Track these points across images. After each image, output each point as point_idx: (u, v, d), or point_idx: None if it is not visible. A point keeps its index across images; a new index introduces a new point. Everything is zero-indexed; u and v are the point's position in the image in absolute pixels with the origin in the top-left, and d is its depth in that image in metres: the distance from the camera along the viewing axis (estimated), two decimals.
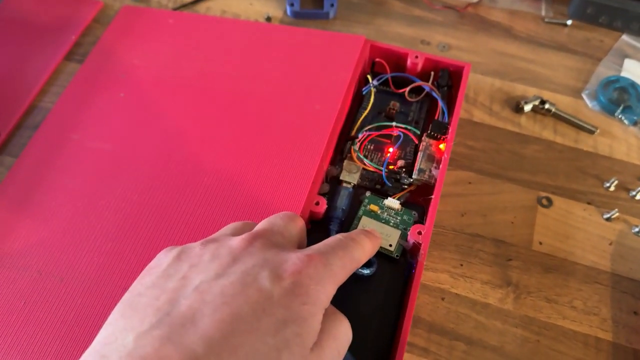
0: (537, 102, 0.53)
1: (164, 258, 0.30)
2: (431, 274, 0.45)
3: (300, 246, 0.34)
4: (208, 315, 0.24)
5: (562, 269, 0.45)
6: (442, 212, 0.47)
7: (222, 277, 0.26)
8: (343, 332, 0.29)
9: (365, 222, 0.44)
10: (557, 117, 0.53)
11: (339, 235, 0.33)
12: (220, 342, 0.23)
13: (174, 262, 0.29)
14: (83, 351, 0.26)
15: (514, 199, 0.48)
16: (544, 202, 0.48)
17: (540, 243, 0.46)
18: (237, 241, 0.30)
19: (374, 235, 0.36)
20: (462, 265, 0.45)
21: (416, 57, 0.51)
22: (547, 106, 0.52)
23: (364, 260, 0.33)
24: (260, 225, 0.33)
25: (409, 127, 0.48)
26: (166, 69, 0.53)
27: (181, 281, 0.27)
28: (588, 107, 0.54)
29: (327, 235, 0.44)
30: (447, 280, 0.44)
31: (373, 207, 0.45)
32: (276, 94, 0.50)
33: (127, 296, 0.27)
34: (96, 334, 0.26)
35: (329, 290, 0.28)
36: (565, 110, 0.53)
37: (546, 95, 0.54)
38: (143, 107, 0.51)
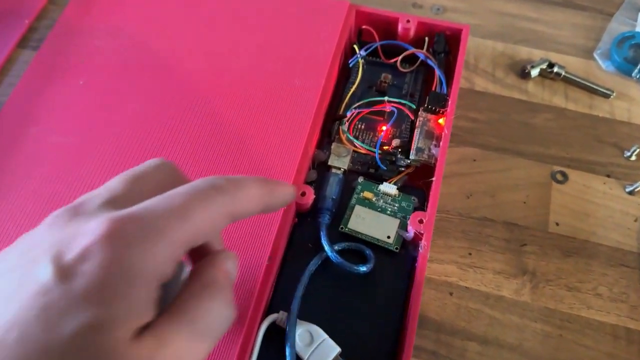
0: (544, 66, 0.47)
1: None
2: (436, 266, 0.39)
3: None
4: None
5: (583, 252, 0.40)
6: (445, 194, 0.42)
7: (7, 274, 0.21)
8: (208, 311, 0.22)
9: (360, 212, 0.39)
10: (568, 81, 0.47)
11: (199, 180, 0.24)
12: None
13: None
14: None
15: (525, 176, 0.43)
16: (559, 177, 0.43)
17: (557, 224, 0.41)
18: (45, 220, 0.23)
19: (276, 182, 0.27)
20: (470, 254, 0.40)
21: (408, 21, 0.46)
22: (556, 70, 0.47)
23: (237, 210, 0.24)
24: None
25: (403, 102, 0.43)
26: (132, 49, 0.47)
27: None
28: (601, 68, 0.48)
29: (318, 231, 0.39)
30: (454, 273, 0.39)
31: (367, 194, 0.39)
32: (252, 71, 0.45)
33: None
34: None
35: (158, 255, 0.20)
36: (577, 73, 0.47)
37: (554, 57, 0.49)
38: (107, 94, 0.45)
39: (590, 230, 0.41)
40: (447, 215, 0.41)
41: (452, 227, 0.41)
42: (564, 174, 0.43)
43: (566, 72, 0.47)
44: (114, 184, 0.24)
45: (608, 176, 0.43)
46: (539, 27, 0.51)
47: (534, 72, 0.47)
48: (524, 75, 0.47)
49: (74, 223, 0.21)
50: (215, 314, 0.23)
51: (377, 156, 0.40)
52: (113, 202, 0.23)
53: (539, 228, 0.41)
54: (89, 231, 0.20)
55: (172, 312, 0.22)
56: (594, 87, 0.46)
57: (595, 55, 0.49)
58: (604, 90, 0.46)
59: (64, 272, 0.19)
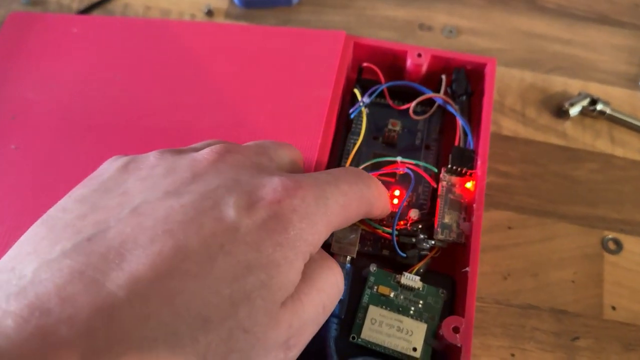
0: (586, 103, 0.39)
1: (107, 167, 0.23)
2: None
3: None
4: (142, 246, 0.19)
5: None
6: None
7: (172, 197, 0.20)
8: (331, 283, 0.24)
9: (375, 314, 0.31)
10: (612, 119, 0.39)
11: (348, 167, 0.28)
12: (152, 284, 0.18)
13: (117, 173, 0.22)
14: None
15: (572, 246, 0.35)
16: (611, 245, 0.35)
17: (614, 308, 0.34)
18: (203, 153, 0.23)
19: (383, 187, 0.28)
20: (513, 355, 0.32)
21: (419, 55, 0.37)
22: (599, 107, 0.39)
23: (377, 207, 0.27)
24: (244, 144, 0.26)
25: (419, 163, 0.34)
26: (75, 101, 0.38)
27: (120, 197, 0.21)
28: None
29: (323, 343, 0.31)
30: None
31: (383, 289, 0.32)
32: (229, 130, 0.36)
33: (50, 211, 0.21)
34: None
35: (319, 231, 0.22)
36: (622, 109, 0.40)
37: (593, 88, 0.41)
38: (45, 163, 0.36)
39: None
40: (481, 304, 0.34)
41: (489, 320, 0.33)
42: (617, 242, 0.36)
43: (611, 109, 0.39)
44: (270, 144, 0.27)
45: None
46: (574, 50, 0.43)
47: (574, 111, 0.39)
48: (561, 114, 0.40)
49: (247, 170, 0.23)
50: (334, 284, 0.24)
51: (394, 241, 0.32)
52: (273, 162, 0.25)
53: (592, 315, 0.33)
54: (274, 187, 0.21)
55: (304, 280, 0.22)
56: None
57: None
58: None
59: (249, 220, 0.20)
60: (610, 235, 0.36)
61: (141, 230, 0.19)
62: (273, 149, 0.26)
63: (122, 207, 0.20)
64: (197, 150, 0.24)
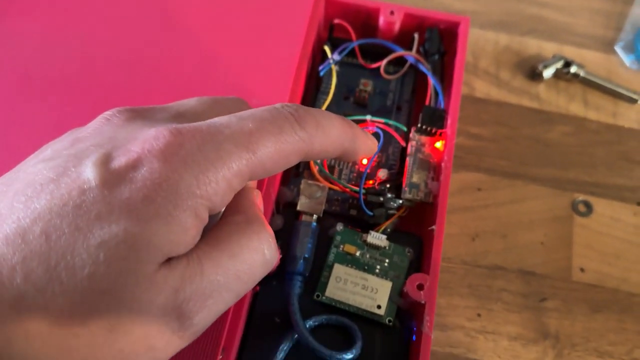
0: (559, 65, 0.39)
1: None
2: (439, 335, 0.32)
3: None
4: (2, 215, 0.18)
5: (614, 305, 0.33)
6: (445, 236, 0.34)
7: (43, 163, 0.19)
8: (252, 250, 0.21)
9: (340, 273, 0.31)
10: (587, 82, 0.39)
11: (277, 105, 0.22)
12: (1, 251, 0.17)
13: (53, 142, 0.21)
14: None
15: (542, 208, 0.35)
16: (582, 208, 0.35)
17: (582, 270, 0.34)
18: (97, 118, 0.22)
19: (360, 129, 0.25)
20: (479, 315, 0.32)
21: (391, 12, 0.37)
22: (573, 70, 0.38)
23: (313, 146, 0.22)
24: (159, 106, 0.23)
25: (391, 122, 0.34)
26: (35, 58, 0.37)
27: (13, 172, 0.20)
28: (624, 64, 0.40)
29: (285, 302, 0.31)
30: (461, 342, 0.32)
31: (349, 247, 0.31)
32: (196, 85, 0.35)
33: None
34: None
35: (212, 181, 0.19)
36: (597, 72, 0.39)
37: (568, 51, 0.40)
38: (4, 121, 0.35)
39: (622, 277, 0.34)
40: (448, 264, 0.34)
41: (456, 281, 0.33)
42: (587, 204, 0.35)
43: (585, 72, 0.39)
44: (188, 100, 0.23)
45: (639, 204, 0.36)
46: (550, 13, 0.42)
47: (547, 74, 0.39)
48: (535, 76, 0.39)
49: (132, 125, 0.20)
50: (256, 253, 0.21)
51: (360, 199, 0.31)
52: (181, 116, 0.22)
53: (560, 277, 0.33)
54: (146, 138, 0.19)
55: (209, 242, 0.20)
56: (618, 89, 0.39)
57: (617, 49, 0.41)
58: (630, 95, 0.39)
59: (109, 176, 0.18)
60: (581, 197, 0.36)
61: (3, 199, 0.18)
62: (187, 104, 0.23)
63: (17, 172, 0.20)
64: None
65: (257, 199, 0.23)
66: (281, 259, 0.31)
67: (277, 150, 0.20)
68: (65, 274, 0.17)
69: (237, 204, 0.22)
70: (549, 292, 0.33)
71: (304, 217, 0.32)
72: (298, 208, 0.32)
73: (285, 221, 0.32)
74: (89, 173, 0.18)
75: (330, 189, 0.33)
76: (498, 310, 0.33)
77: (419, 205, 0.33)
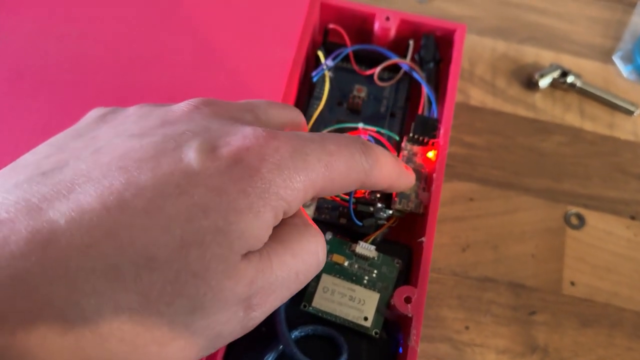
0: (556, 75, 0.38)
1: (87, 117, 0.23)
2: (426, 346, 0.32)
3: None
4: (94, 180, 0.18)
5: (604, 320, 0.33)
6: (435, 246, 0.34)
7: (135, 139, 0.20)
8: (310, 251, 0.22)
9: (328, 283, 0.30)
10: (584, 92, 0.39)
11: (343, 134, 0.25)
12: (97, 216, 0.17)
13: (93, 121, 0.23)
14: None
15: (534, 220, 0.35)
16: (574, 220, 0.35)
17: (573, 283, 0.33)
18: (181, 104, 0.23)
19: (402, 164, 0.27)
20: (467, 327, 0.32)
21: (387, 18, 0.36)
22: (570, 79, 0.38)
23: (378, 177, 0.24)
24: (228, 101, 0.25)
25: (382, 131, 0.34)
26: (28, 55, 0.36)
27: (87, 141, 0.21)
28: (622, 75, 0.40)
29: (271, 314, 0.31)
30: (449, 354, 0.32)
31: (337, 257, 0.31)
32: (187, 88, 0.35)
33: (23, 155, 0.21)
34: None
35: (295, 188, 0.20)
36: (594, 82, 0.39)
37: (566, 60, 0.40)
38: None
39: (613, 291, 0.33)
40: (438, 275, 0.33)
41: (445, 292, 0.33)
42: (580, 217, 0.35)
43: (582, 82, 0.38)
44: (261, 103, 0.25)
45: (633, 218, 0.35)
46: (548, 20, 0.42)
47: (544, 83, 0.38)
48: (531, 85, 0.39)
49: (222, 119, 0.22)
50: (313, 255, 0.22)
51: (351, 209, 0.31)
52: (259, 120, 0.24)
53: (551, 290, 0.33)
54: (246, 135, 0.20)
55: (276, 240, 0.21)
56: (615, 101, 0.38)
57: (615, 59, 0.40)
58: (627, 106, 0.38)
59: (211, 164, 0.19)
60: (574, 209, 0.35)
61: (96, 166, 0.19)
62: (262, 108, 0.25)
63: (87, 148, 0.20)
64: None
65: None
66: None
67: (345, 174, 0.22)
68: (162, 252, 0.17)
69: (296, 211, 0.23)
70: (539, 305, 0.33)
71: None
72: None
73: None
74: (192, 158, 0.19)
75: (320, 198, 0.33)
76: (487, 323, 0.32)
77: (409, 216, 0.32)
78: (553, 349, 0.32)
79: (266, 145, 0.20)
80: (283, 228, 0.21)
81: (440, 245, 0.34)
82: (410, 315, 0.28)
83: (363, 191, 0.33)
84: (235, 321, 0.19)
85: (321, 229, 0.32)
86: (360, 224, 0.32)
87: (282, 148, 0.20)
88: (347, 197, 0.32)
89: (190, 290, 0.18)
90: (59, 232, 0.17)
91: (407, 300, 0.29)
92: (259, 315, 0.20)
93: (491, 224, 0.35)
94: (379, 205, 0.32)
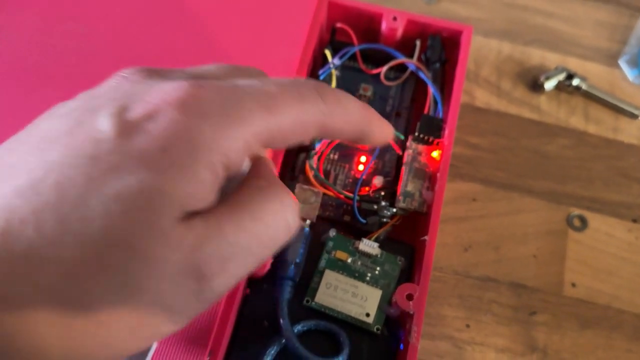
0: (562, 77, 0.38)
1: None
2: (427, 344, 0.32)
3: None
4: (14, 166, 0.18)
5: (604, 322, 0.33)
6: (437, 246, 0.34)
7: (59, 117, 0.19)
8: (275, 213, 0.20)
9: (331, 279, 0.31)
10: (589, 96, 0.39)
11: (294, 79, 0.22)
12: (17, 197, 0.16)
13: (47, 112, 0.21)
14: None
15: (537, 221, 0.35)
16: (576, 222, 0.35)
17: (574, 285, 0.34)
18: (112, 76, 0.21)
19: (378, 115, 0.23)
20: (468, 326, 0.32)
21: (394, 18, 0.36)
22: (575, 82, 0.38)
23: (330, 122, 0.21)
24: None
25: None
26: (34, 51, 0.37)
27: (29, 132, 0.19)
28: (628, 79, 0.40)
29: (275, 305, 0.31)
30: (449, 352, 0.32)
31: (340, 254, 0.31)
32: None
33: None
34: None
35: (231, 137, 0.18)
36: (599, 85, 0.39)
37: (572, 63, 0.40)
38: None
39: (613, 293, 0.34)
40: (439, 273, 0.34)
41: (447, 291, 0.33)
42: (582, 219, 0.35)
43: (588, 85, 0.38)
44: (208, 65, 0.22)
45: (634, 221, 0.36)
46: (555, 23, 0.42)
47: (549, 85, 0.38)
48: (536, 87, 0.39)
49: (149, 81, 0.20)
50: (279, 217, 0.20)
51: (355, 207, 0.31)
52: (201, 77, 0.21)
53: (552, 291, 0.33)
54: (163, 91, 0.18)
55: (230, 204, 0.19)
56: (619, 105, 0.39)
57: (621, 63, 0.40)
58: (631, 110, 0.38)
59: (124, 126, 0.17)
60: (577, 212, 0.36)
61: (17, 153, 0.18)
62: (213, 70, 0.22)
63: (28, 141, 0.19)
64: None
65: (274, 169, 0.22)
66: (272, 263, 0.31)
67: (297, 118, 0.20)
68: (78, 226, 0.16)
69: (257, 170, 0.21)
70: (539, 306, 0.33)
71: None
72: None
73: None
74: (103, 123, 0.17)
75: (325, 194, 0.33)
76: (487, 322, 0.33)
77: (413, 214, 0.33)
78: (552, 350, 0.32)
79: (189, 96, 0.18)
80: (242, 191, 0.20)
81: (442, 245, 0.34)
82: (411, 312, 0.29)
83: (367, 188, 0.34)
84: (186, 293, 0.18)
85: (325, 226, 0.33)
86: (364, 221, 0.32)
87: (208, 97, 0.18)
88: (351, 195, 0.32)
89: (115, 262, 0.16)
90: None
91: (409, 297, 0.29)
92: (218, 285, 0.18)
93: (494, 224, 0.35)
94: (383, 203, 0.32)
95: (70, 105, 0.19)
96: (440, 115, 0.34)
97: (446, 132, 0.33)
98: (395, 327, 0.31)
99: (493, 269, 0.34)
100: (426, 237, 0.30)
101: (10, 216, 0.16)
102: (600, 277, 0.34)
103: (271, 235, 0.20)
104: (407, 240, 0.33)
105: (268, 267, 0.30)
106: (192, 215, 0.18)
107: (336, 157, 0.35)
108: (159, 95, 0.18)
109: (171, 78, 0.20)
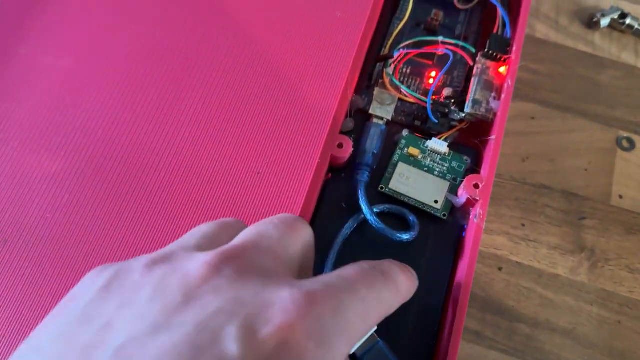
0: (615, 16, 0.41)
1: (89, 285, 0.20)
2: (485, 237, 0.35)
3: (302, 271, 0.23)
4: None
5: None
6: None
7: (162, 333, 0.17)
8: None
9: (403, 170, 0.34)
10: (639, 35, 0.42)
11: (362, 263, 0.22)
12: None
13: (99, 295, 0.19)
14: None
15: (588, 140, 0.38)
16: (625, 143, 0.38)
17: (621, 197, 0.37)
18: (197, 265, 0.19)
19: (409, 270, 0.24)
20: (524, 225, 0.35)
21: None
22: (628, 21, 0.41)
23: (396, 306, 0.22)
24: (242, 237, 0.22)
25: (459, 44, 0.37)
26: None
27: (100, 333, 0.18)
28: None
29: (353, 189, 0.34)
30: (505, 245, 0.35)
31: (412, 150, 0.35)
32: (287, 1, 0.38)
33: (22, 348, 0.18)
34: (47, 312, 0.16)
35: (340, 354, 0.18)
36: None
37: (625, 5, 0.43)
38: (111, 13, 0.38)
39: None
40: (499, 179, 0.37)
41: (505, 194, 0.36)
42: (630, 141, 0.38)
43: (639, 24, 0.41)
44: (272, 234, 0.22)
45: None
46: None
47: (604, 23, 0.41)
48: (592, 25, 0.42)
49: (250, 281, 0.19)
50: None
51: (428, 107, 0.35)
52: (282, 263, 0.21)
53: (600, 200, 0.36)
54: (284, 307, 0.18)
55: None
56: None
57: None
58: None
59: (256, 349, 0.17)
60: (625, 134, 0.39)
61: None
62: (279, 241, 0.22)
63: (104, 345, 0.17)
64: (187, 249, 0.21)
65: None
66: (352, 153, 0.34)
67: (377, 312, 0.21)
68: None
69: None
70: (589, 212, 0.36)
71: (374, 120, 0.35)
72: (370, 111, 0.35)
73: (356, 124, 0.36)
74: (234, 351, 0.16)
75: (399, 99, 0.36)
76: (541, 223, 0.36)
77: (479, 123, 0.36)
78: (599, 250, 0.35)
79: (308, 314, 0.18)
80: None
81: (502, 155, 0.37)
82: (478, 198, 0.32)
83: (437, 96, 0.37)
84: None
85: (398, 129, 0.36)
86: (436, 121, 0.35)
87: (324, 314, 0.18)
88: (425, 98, 0.35)
89: None
90: None
91: (476, 186, 0.32)
92: None
93: (549, 140, 0.38)
94: (453, 108, 0.35)
95: (164, 305, 0.18)
96: (508, 35, 0.37)
97: (514, 49, 0.36)
98: (459, 217, 0.34)
99: (548, 178, 0.37)
100: (493, 137, 0.34)
101: None
102: None
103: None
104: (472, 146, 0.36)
105: (348, 156, 0.34)
106: None
107: (408, 71, 0.38)
108: (282, 316, 0.18)
109: (269, 276, 0.20)
